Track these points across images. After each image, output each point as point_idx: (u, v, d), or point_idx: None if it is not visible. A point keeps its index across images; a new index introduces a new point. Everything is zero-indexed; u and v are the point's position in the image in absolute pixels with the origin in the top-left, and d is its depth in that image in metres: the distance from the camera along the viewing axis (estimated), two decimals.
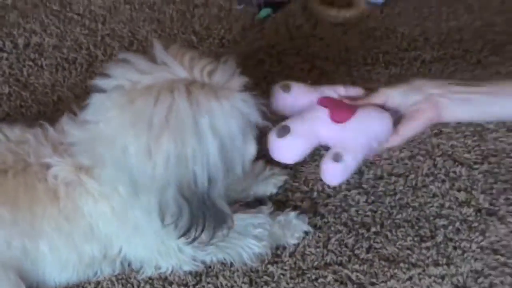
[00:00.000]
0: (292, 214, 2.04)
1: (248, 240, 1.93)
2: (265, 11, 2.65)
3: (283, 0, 2.68)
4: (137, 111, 1.49)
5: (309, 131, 1.68)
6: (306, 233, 2.04)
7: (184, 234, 1.64)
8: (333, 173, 1.68)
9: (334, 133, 1.67)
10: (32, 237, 1.76)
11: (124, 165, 1.54)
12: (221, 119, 1.52)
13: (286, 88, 1.74)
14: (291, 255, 1.99)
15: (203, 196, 1.59)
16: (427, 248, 1.99)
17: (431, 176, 2.17)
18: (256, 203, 2.03)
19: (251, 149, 1.67)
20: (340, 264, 1.97)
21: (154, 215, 1.64)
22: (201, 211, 1.61)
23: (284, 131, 1.66)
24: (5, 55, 2.54)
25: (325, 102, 1.70)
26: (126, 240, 1.83)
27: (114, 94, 1.53)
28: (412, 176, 2.17)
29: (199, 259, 1.93)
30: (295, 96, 1.73)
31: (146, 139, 1.48)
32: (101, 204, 1.73)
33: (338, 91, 1.77)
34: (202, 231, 1.65)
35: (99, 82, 1.57)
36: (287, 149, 1.68)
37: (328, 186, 2.15)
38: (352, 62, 2.50)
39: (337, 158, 1.64)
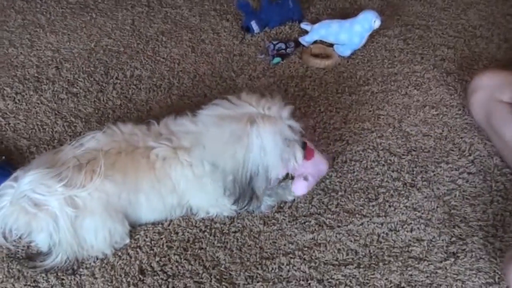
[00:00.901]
0: (290, 181, 2.00)
1: (263, 196, 1.90)
2: (277, 59, 2.63)
3: (287, 53, 2.66)
4: (227, 127, 1.67)
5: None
6: None
7: (234, 203, 1.79)
8: (301, 187, 1.91)
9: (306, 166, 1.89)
10: (135, 192, 1.78)
11: (213, 152, 1.71)
12: (268, 141, 1.66)
13: (306, 179, 1.90)
14: (289, 207, 1.97)
15: (247, 185, 1.71)
16: (373, 206, 1.98)
17: (376, 162, 2.14)
18: None
19: (281, 169, 1.78)
20: (319, 214, 1.95)
21: (217, 184, 1.77)
22: (244, 192, 1.73)
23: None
24: (118, 81, 2.52)
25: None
26: (194, 194, 1.85)
27: (215, 115, 1.72)
28: (364, 161, 2.15)
29: (234, 209, 1.92)
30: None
31: (228, 144, 1.66)
32: (186, 170, 1.78)
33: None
34: (244, 203, 1.77)
35: (205, 107, 1.77)
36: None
37: None
38: (329, 92, 2.48)
39: (306, 178, 1.90)
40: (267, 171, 1.71)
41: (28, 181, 1.64)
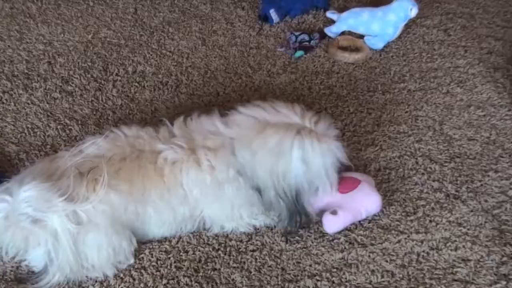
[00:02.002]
0: None
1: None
2: (299, 53, 2.64)
3: (311, 46, 2.66)
4: (265, 136, 1.73)
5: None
6: None
7: (284, 224, 1.85)
8: (327, 223, 1.88)
9: (336, 199, 1.89)
10: (142, 204, 1.79)
11: (244, 158, 1.78)
12: (313, 154, 1.72)
13: (335, 213, 1.87)
14: (315, 222, 1.95)
15: (292, 201, 1.78)
16: (411, 221, 1.96)
17: (414, 170, 2.13)
18: None
19: (332, 179, 1.81)
20: (349, 230, 1.93)
21: (239, 192, 1.82)
22: (290, 210, 1.79)
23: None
24: (119, 78, 2.53)
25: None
26: (209, 203, 1.85)
27: (251, 120, 1.79)
28: (401, 169, 2.13)
29: (252, 224, 1.93)
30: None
31: (264, 153, 1.73)
32: (205, 174, 1.79)
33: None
34: (290, 223, 1.83)
35: (241, 109, 1.84)
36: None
37: None
38: (358, 90, 2.47)
39: (333, 212, 1.87)
40: (313, 187, 1.79)
41: (26, 196, 1.64)
